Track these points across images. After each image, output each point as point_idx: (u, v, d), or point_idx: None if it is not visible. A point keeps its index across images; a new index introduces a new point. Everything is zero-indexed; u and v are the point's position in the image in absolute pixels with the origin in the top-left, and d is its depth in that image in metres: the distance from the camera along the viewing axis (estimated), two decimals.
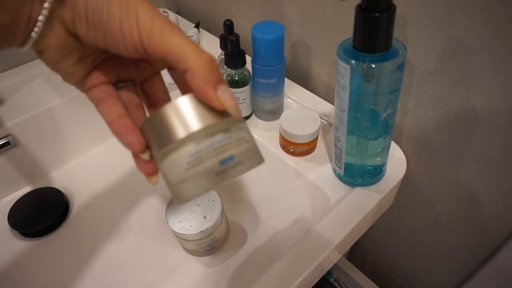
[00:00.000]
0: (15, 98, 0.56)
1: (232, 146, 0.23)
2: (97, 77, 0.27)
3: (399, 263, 0.67)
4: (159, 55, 0.22)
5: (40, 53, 0.24)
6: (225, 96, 0.22)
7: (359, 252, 0.75)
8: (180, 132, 0.23)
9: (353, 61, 0.33)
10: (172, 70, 0.28)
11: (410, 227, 0.59)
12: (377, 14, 0.30)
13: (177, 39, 0.22)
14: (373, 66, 0.32)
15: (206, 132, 0.23)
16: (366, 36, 0.32)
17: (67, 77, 0.26)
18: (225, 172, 0.23)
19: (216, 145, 0.23)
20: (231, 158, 0.23)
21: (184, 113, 0.23)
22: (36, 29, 0.22)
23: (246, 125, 0.25)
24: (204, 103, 0.23)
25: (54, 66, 0.25)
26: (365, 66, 0.32)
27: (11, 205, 0.52)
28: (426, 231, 0.56)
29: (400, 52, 0.33)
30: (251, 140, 0.25)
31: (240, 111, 0.46)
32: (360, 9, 0.31)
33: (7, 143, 0.52)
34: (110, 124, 0.26)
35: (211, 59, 0.22)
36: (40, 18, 0.22)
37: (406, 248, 0.63)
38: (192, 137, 0.23)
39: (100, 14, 0.22)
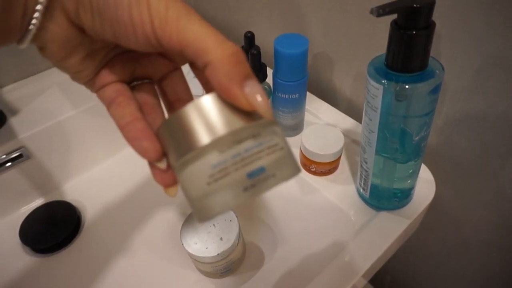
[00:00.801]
0: (29, 109, 0.55)
1: (263, 155, 0.19)
2: (108, 75, 0.23)
3: (420, 284, 0.64)
4: (176, 47, 0.19)
5: (42, 50, 0.21)
6: (254, 94, 0.19)
7: (378, 271, 0.72)
8: (202, 138, 0.19)
9: (384, 81, 0.30)
10: (194, 65, 0.24)
11: (434, 248, 0.56)
12: (414, 32, 0.28)
13: (197, 26, 0.19)
14: (407, 87, 0.30)
15: (231, 139, 0.19)
16: (400, 55, 0.29)
17: (75, 76, 0.23)
18: (254, 187, 0.19)
19: (244, 154, 0.19)
20: (261, 170, 0.19)
21: (207, 116, 0.19)
22: (34, 20, 0.19)
23: (280, 128, 0.21)
24: (231, 104, 0.19)
25: (60, 63, 0.22)
26: (398, 87, 0.30)
27: (23, 219, 0.51)
28: (451, 253, 0.53)
29: (437, 72, 0.30)
30: (285, 147, 0.21)
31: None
32: (396, 25, 0.28)
33: (20, 156, 0.51)
34: (122, 129, 0.23)
35: (236, 50, 0.19)
36: (38, 7, 0.19)
37: (429, 269, 0.60)
38: (215, 144, 0.19)
39: (106, 0, 0.19)
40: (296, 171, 0.21)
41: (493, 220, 0.44)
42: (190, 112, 0.20)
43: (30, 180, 0.53)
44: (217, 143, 0.19)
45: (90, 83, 0.24)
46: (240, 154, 0.19)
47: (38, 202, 0.54)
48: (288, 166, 0.20)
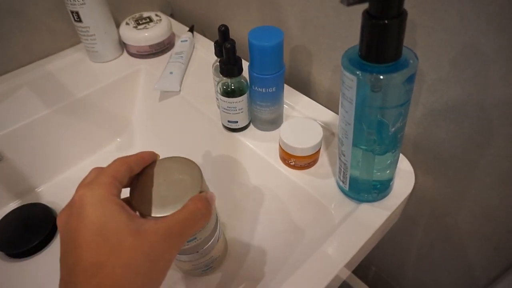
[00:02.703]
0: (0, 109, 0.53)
1: None
2: None
3: (404, 275, 0.65)
4: None
5: None
6: None
7: (362, 262, 0.73)
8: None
9: (358, 72, 0.30)
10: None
11: (417, 239, 0.56)
12: (386, 21, 0.27)
13: None
14: (381, 77, 0.29)
15: None
16: (374, 45, 0.29)
17: None
18: None
19: None
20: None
21: None
22: None
23: None
24: None
25: None
26: (372, 78, 0.29)
27: None
28: (434, 244, 0.54)
29: (411, 62, 0.30)
30: None
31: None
32: (367, 15, 0.28)
33: None
34: None
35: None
36: None
37: (413, 260, 0.60)
38: None
39: None
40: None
41: (473, 210, 0.44)
42: None
43: (3, 184, 0.51)
44: None
45: None
46: None
47: (13, 205, 0.52)
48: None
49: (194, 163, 0.35)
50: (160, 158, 0.36)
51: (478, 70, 0.34)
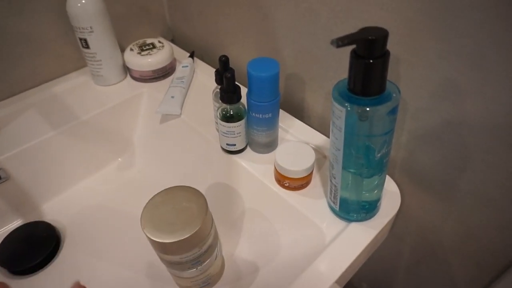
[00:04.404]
0: (6, 130, 0.55)
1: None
2: None
3: None
4: None
5: None
6: None
7: (354, 279, 0.75)
8: None
9: (347, 104, 0.33)
10: None
11: (405, 257, 0.59)
12: (371, 61, 0.31)
13: None
14: (368, 109, 0.33)
15: None
16: (360, 80, 0.32)
17: None
18: None
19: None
20: None
21: None
22: None
23: None
24: None
25: None
26: (359, 109, 0.33)
27: (0, 240, 0.51)
28: (421, 261, 0.56)
29: (394, 95, 0.33)
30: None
31: None
32: (355, 54, 0.31)
33: None
34: None
35: None
36: None
37: (402, 277, 0.63)
38: None
39: None
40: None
41: (456, 228, 0.47)
42: None
43: (8, 201, 0.53)
44: None
45: None
46: None
47: (17, 223, 0.54)
48: None
49: (199, 192, 0.39)
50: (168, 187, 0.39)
51: (454, 101, 0.38)
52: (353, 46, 0.31)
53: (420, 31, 0.37)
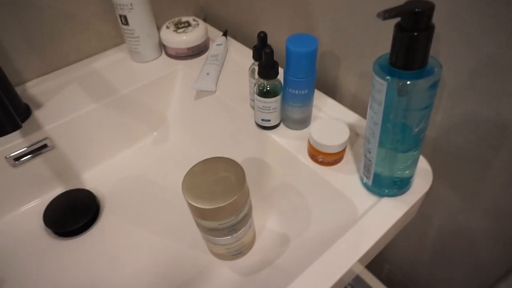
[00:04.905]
0: (52, 102, 0.58)
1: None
2: None
3: (418, 272, 0.68)
4: None
5: None
6: None
7: (376, 260, 0.76)
8: None
9: (388, 77, 0.34)
10: None
11: (431, 237, 0.59)
12: (416, 34, 0.31)
13: None
14: (408, 82, 0.33)
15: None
16: (403, 54, 0.33)
17: None
18: None
19: None
20: None
21: None
22: None
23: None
24: None
25: None
26: (400, 83, 0.33)
27: (46, 204, 0.54)
28: (446, 241, 0.57)
29: (436, 70, 0.34)
30: None
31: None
32: (399, 27, 0.32)
33: (44, 146, 0.54)
34: None
35: None
36: None
37: (426, 257, 0.63)
38: None
39: None
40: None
41: (485, 208, 0.48)
42: None
43: (53, 169, 0.57)
44: None
45: None
46: None
47: (60, 189, 0.57)
48: None
49: (237, 163, 0.41)
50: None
51: (494, 80, 0.38)
52: (397, 20, 0.32)
53: (464, 5, 0.37)
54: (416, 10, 0.30)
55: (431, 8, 0.30)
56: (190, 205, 0.39)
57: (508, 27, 0.35)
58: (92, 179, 0.59)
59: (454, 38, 0.39)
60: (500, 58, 0.37)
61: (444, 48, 0.41)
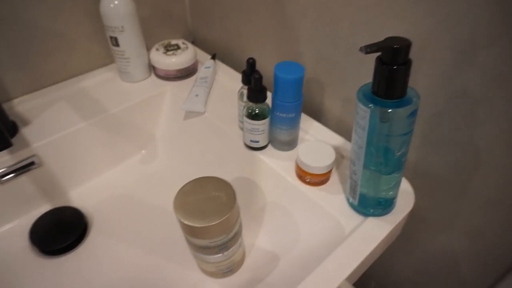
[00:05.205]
0: (39, 120, 0.58)
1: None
2: None
3: None
4: None
5: None
6: None
7: (363, 277, 0.77)
8: None
9: (371, 105, 0.36)
10: None
11: (415, 255, 0.61)
12: (395, 67, 0.34)
13: None
14: (389, 111, 0.36)
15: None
16: (384, 85, 0.35)
17: None
18: None
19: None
20: None
21: None
22: None
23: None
24: None
25: None
26: (382, 110, 0.36)
27: (33, 222, 0.54)
28: (430, 260, 0.59)
29: (414, 99, 0.36)
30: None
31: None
32: (380, 61, 0.34)
33: (31, 163, 0.54)
34: None
35: None
36: None
37: (411, 275, 0.65)
38: None
39: None
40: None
41: (464, 228, 0.50)
42: None
43: (40, 186, 0.56)
44: None
45: None
46: None
47: (47, 207, 0.57)
48: None
49: (227, 182, 0.42)
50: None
51: (467, 108, 0.41)
52: (378, 54, 0.35)
53: (437, 42, 0.40)
54: (395, 46, 0.33)
55: (408, 45, 0.33)
56: (181, 223, 0.39)
57: (479, 63, 0.38)
58: (79, 197, 0.59)
59: (430, 71, 0.43)
60: (470, 90, 0.40)
61: (422, 79, 0.44)
